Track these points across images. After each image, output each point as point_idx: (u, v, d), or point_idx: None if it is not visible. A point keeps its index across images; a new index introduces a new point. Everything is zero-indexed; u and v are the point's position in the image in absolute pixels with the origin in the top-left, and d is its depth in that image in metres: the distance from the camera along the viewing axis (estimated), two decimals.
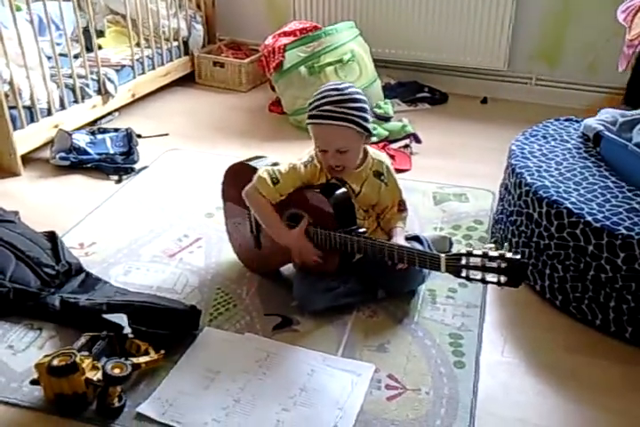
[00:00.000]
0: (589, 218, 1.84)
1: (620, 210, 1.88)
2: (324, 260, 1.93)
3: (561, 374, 1.77)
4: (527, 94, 3.58)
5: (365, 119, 1.83)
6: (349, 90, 1.83)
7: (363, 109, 1.83)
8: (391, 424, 1.59)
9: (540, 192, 1.99)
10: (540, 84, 3.56)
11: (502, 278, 1.61)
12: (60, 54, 3.03)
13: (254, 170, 1.94)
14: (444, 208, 2.56)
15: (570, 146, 2.30)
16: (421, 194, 2.62)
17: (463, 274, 1.67)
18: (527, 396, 1.70)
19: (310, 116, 1.84)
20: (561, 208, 1.91)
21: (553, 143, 2.33)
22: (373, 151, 2.01)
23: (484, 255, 1.62)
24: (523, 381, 1.75)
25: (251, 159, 2.07)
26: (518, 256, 1.60)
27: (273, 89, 3.51)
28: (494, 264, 1.60)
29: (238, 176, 2.02)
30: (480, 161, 2.91)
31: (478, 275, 1.64)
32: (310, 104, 1.85)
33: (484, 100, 3.62)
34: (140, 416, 1.60)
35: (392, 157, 2.87)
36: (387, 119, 3.18)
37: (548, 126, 2.47)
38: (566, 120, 2.51)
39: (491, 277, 1.62)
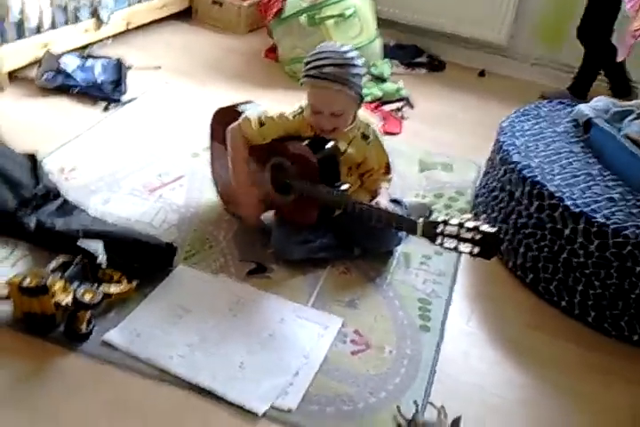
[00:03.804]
0: (569, 202, 1.87)
1: (600, 198, 1.91)
2: (303, 212, 1.94)
3: (521, 350, 1.82)
4: (525, 72, 3.59)
5: (361, 86, 1.85)
6: (350, 54, 1.84)
7: (361, 76, 1.85)
8: (352, 377, 1.63)
9: (525, 171, 2.02)
10: (539, 63, 3.57)
11: (475, 249, 1.62)
12: None
13: (242, 113, 1.94)
14: (429, 176, 2.58)
15: (560, 129, 2.32)
16: (407, 159, 2.63)
17: (438, 241, 1.68)
18: (486, 365, 1.75)
19: (309, 76, 1.83)
20: (543, 190, 1.93)
21: (544, 124, 2.35)
22: (363, 114, 2.01)
23: (461, 225, 1.63)
24: (483, 351, 1.80)
25: (241, 103, 2.06)
26: (493, 230, 1.61)
27: (270, 35, 3.44)
28: (469, 235, 1.62)
29: (227, 117, 2.01)
30: (469, 133, 2.93)
31: (452, 243, 1.66)
32: (309, 62, 1.84)
33: (482, 73, 3.61)
34: (106, 344, 1.61)
35: (383, 118, 2.87)
36: (382, 80, 3.16)
37: (541, 107, 2.48)
38: (560, 103, 2.53)
39: (464, 246, 1.63)
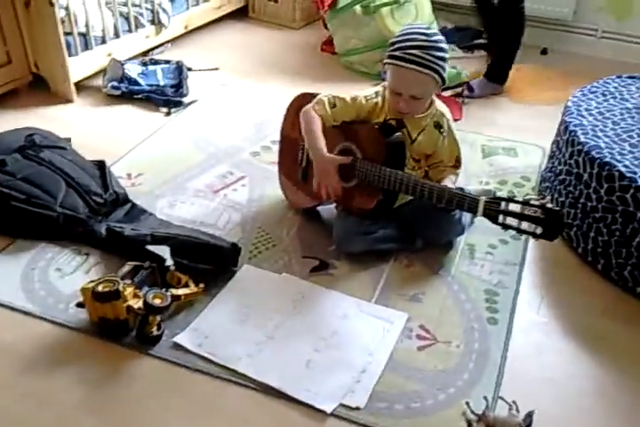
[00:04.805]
0: None
1: None
2: (362, 198, 1.93)
3: (596, 339, 1.76)
4: (591, 47, 3.44)
5: (445, 69, 1.82)
6: (436, 37, 1.81)
7: (445, 59, 1.81)
8: (419, 373, 1.62)
9: (593, 152, 1.94)
10: (606, 36, 3.41)
11: (538, 230, 1.58)
12: None
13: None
14: (492, 162, 2.52)
15: (630, 105, 2.22)
16: (469, 146, 2.58)
17: (500, 220, 1.64)
18: (559, 357, 1.70)
19: (393, 57, 1.81)
20: (613, 171, 1.86)
21: (612, 102, 2.25)
22: (439, 102, 1.98)
23: (525, 203, 1.59)
24: (555, 342, 1.75)
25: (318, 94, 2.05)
26: (558, 208, 1.57)
27: (326, 27, 3.43)
28: (532, 213, 1.57)
29: (304, 103, 2.00)
30: (533, 115, 2.84)
31: (514, 223, 1.61)
32: (394, 43, 1.82)
33: (544, 51, 3.48)
34: (177, 346, 1.65)
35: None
36: None
37: (609, 83, 2.38)
38: (629, 77, 2.42)
39: (527, 226, 1.59)
